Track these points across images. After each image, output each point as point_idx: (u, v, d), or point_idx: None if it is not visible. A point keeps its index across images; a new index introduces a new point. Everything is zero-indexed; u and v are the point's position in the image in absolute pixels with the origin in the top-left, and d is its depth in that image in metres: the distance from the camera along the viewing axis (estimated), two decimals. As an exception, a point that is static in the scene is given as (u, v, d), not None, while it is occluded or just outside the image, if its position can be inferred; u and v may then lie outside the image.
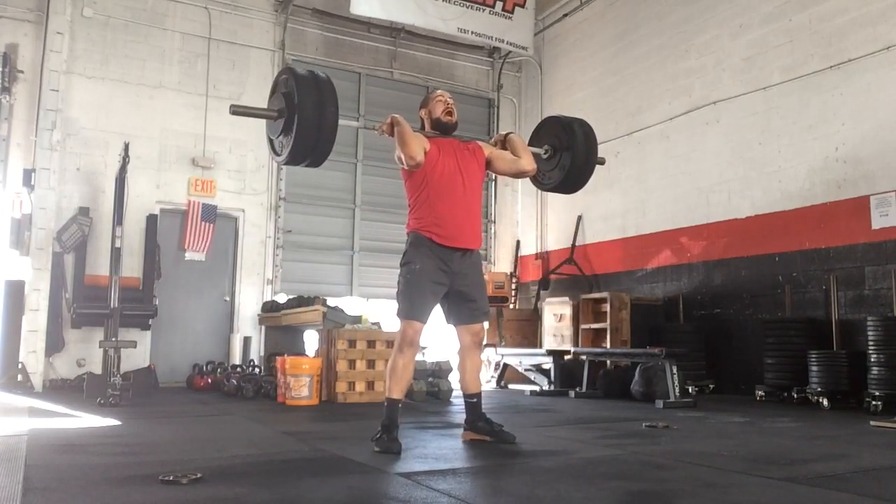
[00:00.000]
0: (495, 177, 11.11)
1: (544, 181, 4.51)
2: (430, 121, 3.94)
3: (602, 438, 4.24)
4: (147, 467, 3.11)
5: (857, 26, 6.92)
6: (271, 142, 3.68)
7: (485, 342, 5.44)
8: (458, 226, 3.80)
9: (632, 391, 6.90)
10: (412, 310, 3.75)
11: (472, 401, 3.96)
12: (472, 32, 9.88)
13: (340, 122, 3.51)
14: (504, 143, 4.16)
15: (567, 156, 4.32)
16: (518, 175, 4.28)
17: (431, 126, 3.93)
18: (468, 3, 9.75)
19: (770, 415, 5.57)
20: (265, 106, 3.71)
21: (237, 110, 3.51)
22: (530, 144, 4.42)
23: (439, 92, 4.06)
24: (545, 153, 4.41)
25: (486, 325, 4.16)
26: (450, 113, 3.94)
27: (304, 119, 3.38)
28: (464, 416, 4.06)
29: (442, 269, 3.77)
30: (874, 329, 6.08)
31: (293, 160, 3.55)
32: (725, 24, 8.25)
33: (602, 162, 4.55)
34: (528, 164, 4.08)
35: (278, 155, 3.61)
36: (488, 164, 4.03)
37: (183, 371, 8.49)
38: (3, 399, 6.51)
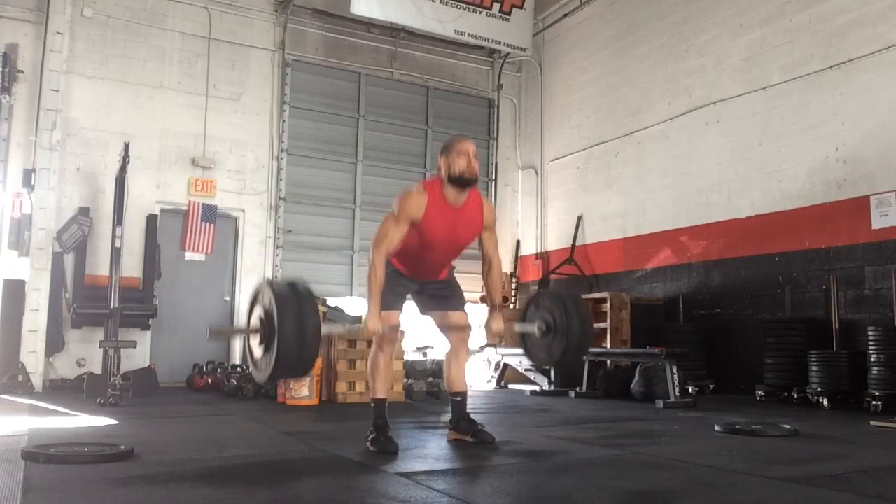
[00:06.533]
0: (495, 176, 11.12)
1: (537, 358, 4.26)
2: (447, 172, 3.69)
3: (602, 438, 4.24)
4: (147, 467, 3.11)
5: (857, 26, 6.91)
6: (250, 350, 3.44)
7: (483, 334, 5.26)
8: (423, 272, 3.84)
9: (632, 391, 6.90)
10: (385, 300, 3.68)
11: (456, 399, 3.96)
12: (470, 34, 9.92)
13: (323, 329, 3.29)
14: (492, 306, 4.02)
15: (562, 339, 3.98)
16: (488, 260, 4.00)
17: (448, 178, 3.69)
18: (465, 5, 9.78)
19: (770, 415, 5.56)
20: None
21: (213, 332, 3.26)
22: (525, 314, 4.19)
23: (465, 145, 3.73)
24: (539, 331, 4.07)
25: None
26: (471, 169, 3.70)
27: (285, 345, 3.11)
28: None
29: (407, 278, 3.84)
30: (874, 329, 6.08)
31: (273, 380, 3.33)
32: (725, 24, 8.25)
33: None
34: (499, 266, 4.02)
35: (259, 370, 3.35)
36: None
37: (183, 371, 8.49)
38: (3, 399, 6.50)
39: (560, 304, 4.01)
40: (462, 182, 3.70)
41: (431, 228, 3.66)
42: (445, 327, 3.94)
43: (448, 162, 3.69)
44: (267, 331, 3.19)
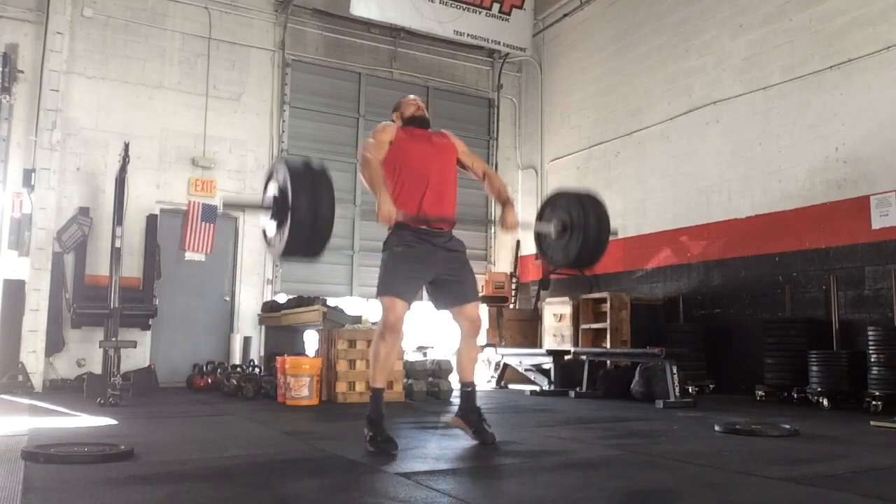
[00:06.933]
0: (495, 177, 11.09)
1: (555, 260, 4.35)
2: (402, 120, 4.07)
3: (602, 438, 4.24)
4: (147, 467, 3.11)
5: (857, 26, 6.92)
6: (264, 231, 3.54)
7: (483, 334, 5.37)
8: (427, 203, 3.84)
9: (632, 391, 6.90)
10: (393, 285, 3.74)
11: (466, 389, 3.96)
12: (469, 35, 9.92)
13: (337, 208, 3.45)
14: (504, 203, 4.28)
15: (578, 236, 4.08)
16: (480, 172, 4.30)
17: (404, 122, 4.05)
18: (465, 6, 9.78)
19: (770, 415, 5.56)
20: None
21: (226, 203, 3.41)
22: (541, 215, 4.38)
23: (411, 97, 4.18)
24: (555, 230, 4.16)
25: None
26: (421, 111, 4.07)
27: (298, 219, 3.24)
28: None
29: (423, 254, 3.81)
30: (874, 329, 6.08)
31: (287, 256, 3.46)
32: (725, 24, 8.25)
33: (615, 233, 4.35)
34: (492, 171, 4.45)
35: (272, 246, 3.48)
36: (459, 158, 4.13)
37: (183, 371, 8.48)
38: (3, 399, 6.50)
39: (577, 202, 4.12)
40: (416, 121, 4.03)
41: (409, 142, 3.93)
42: (460, 318, 3.94)
43: (400, 112, 4.08)
44: (280, 206, 3.27)
